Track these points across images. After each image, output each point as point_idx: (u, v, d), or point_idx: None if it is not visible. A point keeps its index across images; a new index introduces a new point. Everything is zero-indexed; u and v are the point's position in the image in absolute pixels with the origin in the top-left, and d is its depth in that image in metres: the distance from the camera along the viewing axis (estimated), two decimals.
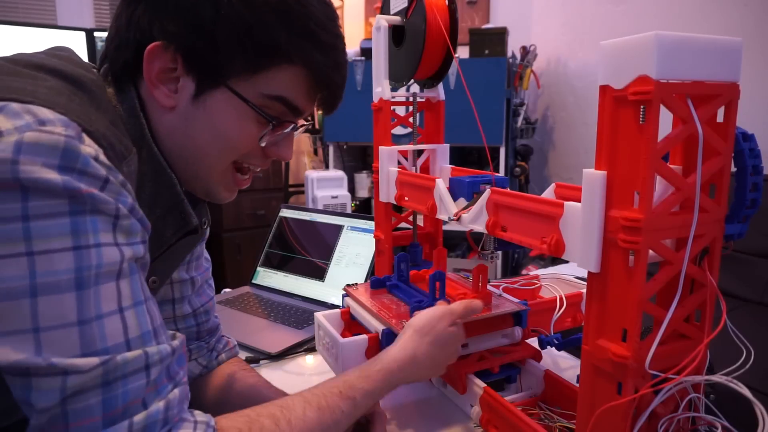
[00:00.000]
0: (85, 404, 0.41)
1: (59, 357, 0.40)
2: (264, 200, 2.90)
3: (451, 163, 0.90)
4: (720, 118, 0.49)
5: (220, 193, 0.62)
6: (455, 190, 0.73)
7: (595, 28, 2.57)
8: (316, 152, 3.10)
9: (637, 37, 0.43)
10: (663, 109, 0.44)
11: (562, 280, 0.96)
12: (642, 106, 0.43)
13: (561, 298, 0.83)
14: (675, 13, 2.25)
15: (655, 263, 0.48)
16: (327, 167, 2.76)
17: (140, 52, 0.54)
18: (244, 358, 0.89)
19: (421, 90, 0.90)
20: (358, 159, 2.96)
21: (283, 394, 0.73)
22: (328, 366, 0.82)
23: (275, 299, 1.24)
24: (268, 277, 1.34)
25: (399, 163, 0.90)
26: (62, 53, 0.54)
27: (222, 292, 1.29)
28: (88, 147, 0.44)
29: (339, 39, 0.59)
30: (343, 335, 0.79)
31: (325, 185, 2.47)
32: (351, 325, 0.87)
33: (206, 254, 0.81)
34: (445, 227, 0.92)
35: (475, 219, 0.67)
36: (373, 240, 0.95)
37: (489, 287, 0.80)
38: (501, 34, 2.40)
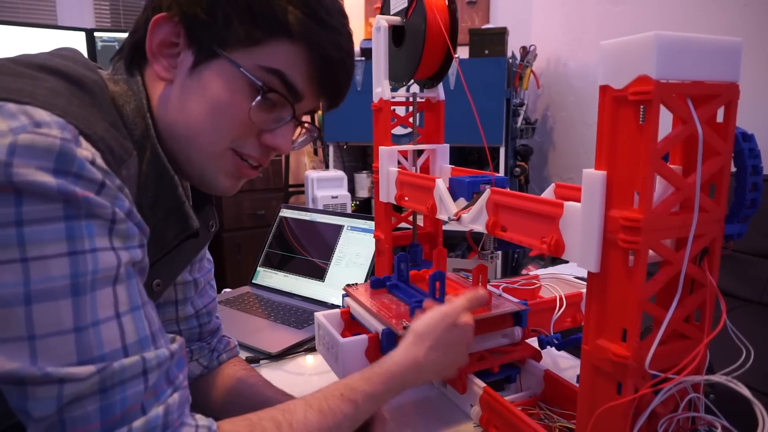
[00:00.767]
0: (83, 412, 0.41)
1: (55, 365, 0.40)
2: (264, 200, 2.90)
3: (451, 163, 0.90)
4: (720, 118, 0.49)
5: (218, 179, 0.59)
6: (455, 190, 0.73)
7: (594, 28, 2.57)
8: (316, 152, 3.11)
9: (636, 37, 0.43)
10: (663, 109, 0.44)
11: (562, 280, 0.96)
12: (642, 106, 0.43)
13: (561, 298, 0.83)
14: (675, 13, 2.25)
15: (655, 263, 0.48)
16: (327, 167, 2.76)
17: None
18: (244, 358, 0.89)
19: (421, 90, 0.90)
20: (358, 159, 2.96)
21: (283, 394, 0.73)
22: (328, 366, 0.82)
23: (275, 299, 1.24)
24: (268, 277, 1.34)
25: (399, 163, 0.90)
26: (66, 53, 0.54)
27: (222, 292, 1.29)
28: (85, 150, 0.43)
29: (344, 26, 0.58)
30: (343, 335, 0.79)
31: (325, 185, 2.47)
32: (351, 325, 0.87)
33: (208, 255, 0.81)
34: (445, 227, 0.92)
35: (475, 219, 0.67)
36: (373, 240, 0.96)
37: (489, 287, 0.80)
38: (501, 34, 2.40)
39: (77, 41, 2.30)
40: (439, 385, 0.83)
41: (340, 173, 2.54)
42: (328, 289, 1.23)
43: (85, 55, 0.57)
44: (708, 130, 0.46)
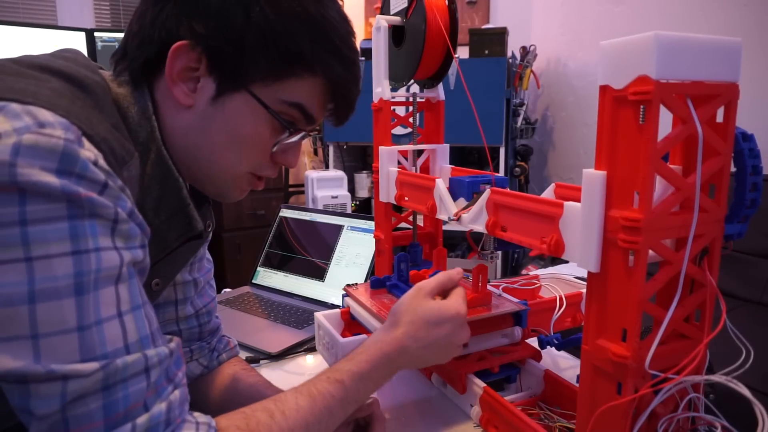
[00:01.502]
0: (86, 409, 0.41)
1: (59, 363, 0.40)
2: (264, 200, 2.90)
3: (451, 163, 0.90)
4: (720, 118, 0.49)
5: (232, 194, 0.63)
6: (455, 190, 0.74)
7: (594, 28, 2.57)
8: (316, 152, 3.11)
9: (636, 37, 0.43)
10: (663, 109, 0.44)
11: (562, 280, 0.96)
12: (642, 106, 0.43)
13: (561, 298, 0.83)
14: (675, 13, 2.25)
15: (655, 263, 0.48)
16: (327, 167, 2.76)
17: (163, 50, 0.54)
18: (244, 357, 0.89)
19: (421, 90, 0.90)
20: (358, 159, 2.96)
21: None
22: (327, 366, 0.82)
23: (275, 299, 1.24)
24: (268, 277, 1.34)
25: (399, 163, 0.90)
26: (68, 54, 0.54)
27: (222, 292, 1.29)
28: (88, 151, 0.43)
29: (357, 55, 0.60)
30: (343, 335, 0.80)
31: (325, 185, 2.47)
32: (351, 325, 0.87)
33: (208, 255, 0.81)
34: (445, 227, 0.92)
35: (475, 219, 0.67)
36: (373, 240, 0.96)
37: (489, 287, 0.80)
38: (501, 34, 2.40)
39: (77, 41, 2.30)
40: (439, 385, 0.83)
41: (340, 173, 2.54)
42: (328, 289, 1.23)
43: (85, 55, 0.57)
44: (708, 130, 0.46)
